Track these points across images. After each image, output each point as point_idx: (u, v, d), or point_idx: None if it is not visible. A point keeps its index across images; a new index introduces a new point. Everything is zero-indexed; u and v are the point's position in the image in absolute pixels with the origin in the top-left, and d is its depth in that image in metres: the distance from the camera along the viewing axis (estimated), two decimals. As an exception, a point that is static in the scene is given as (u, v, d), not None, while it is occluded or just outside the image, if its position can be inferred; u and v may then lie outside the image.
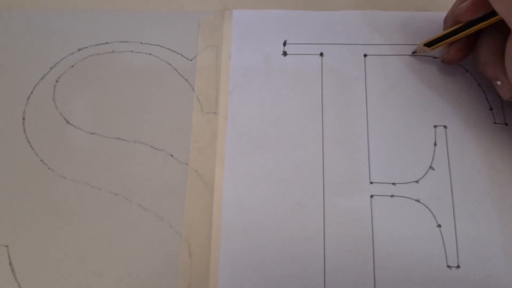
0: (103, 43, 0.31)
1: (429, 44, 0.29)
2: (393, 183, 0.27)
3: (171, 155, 0.28)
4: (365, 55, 0.30)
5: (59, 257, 0.26)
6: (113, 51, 0.31)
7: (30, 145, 0.29)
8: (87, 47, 0.31)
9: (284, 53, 0.30)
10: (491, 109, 0.29)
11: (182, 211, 0.27)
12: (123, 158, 0.28)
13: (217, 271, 0.26)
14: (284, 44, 0.31)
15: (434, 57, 0.30)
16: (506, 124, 0.28)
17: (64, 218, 0.27)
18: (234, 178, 0.28)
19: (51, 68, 0.31)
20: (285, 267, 0.26)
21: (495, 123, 0.28)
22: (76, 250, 0.26)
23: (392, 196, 0.27)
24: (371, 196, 0.27)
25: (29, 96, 0.30)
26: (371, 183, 0.27)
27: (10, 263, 0.26)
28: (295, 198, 0.27)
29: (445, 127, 0.28)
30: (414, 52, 0.30)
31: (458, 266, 0.26)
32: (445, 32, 0.27)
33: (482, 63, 0.26)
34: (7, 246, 0.27)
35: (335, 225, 0.26)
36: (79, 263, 0.26)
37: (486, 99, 0.29)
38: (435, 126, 0.28)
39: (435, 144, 0.28)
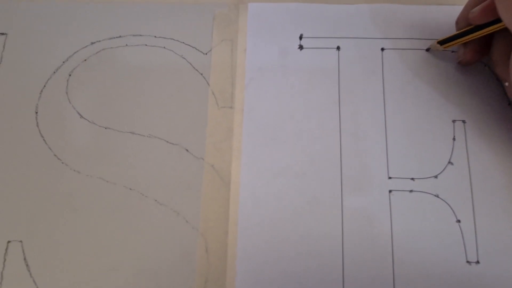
0: (117, 37, 0.31)
1: (443, 42, 0.28)
2: (412, 178, 0.27)
3: (187, 150, 0.28)
4: (382, 49, 0.30)
5: (73, 252, 0.26)
6: (126, 45, 0.31)
7: (44, 140, 0.29)
8: (100, 41, 0.31)
9: (300, 47, 0.30)
10: (510, 104, 0.28)
11: (198, 206, 0.27)
12: (137, 153, 0.28)
13: (234, 266, 0.25)
14: (300, 37, 0.30)
15: (452, 51, 0.29)
16: (525, 119, 0.28)
17: (78, 213, 0.27)
18: (251, 173, 0.27)
19: (63, 62, 0.30)
20: (302, 262, 0.26)
21: (514, 117, 0.28)
22: (90, 245, 0.26)
23: (411, 191, 0.27)
24: (390, 191, 0.27)
25: (41, 90, 0.30)
26: (390, 178, 0.27)
27: (25, 258, 0.26)
28: (312, 193, 0.27)
29: (463, 121, 0.28)
30: (428, 49, 0.30)
31: (477, 262, 0.25)
32: (458, 32, 0.27)
33: (494, 63, 0.26)
34: (21, 241, 0.26)
35: (353, 220, 0.26)
36: (94, 259, 0.26)
37: (505, 94, 0.29)
38: (454, 121, 0.28)
39: (454, 139, 0.28)
